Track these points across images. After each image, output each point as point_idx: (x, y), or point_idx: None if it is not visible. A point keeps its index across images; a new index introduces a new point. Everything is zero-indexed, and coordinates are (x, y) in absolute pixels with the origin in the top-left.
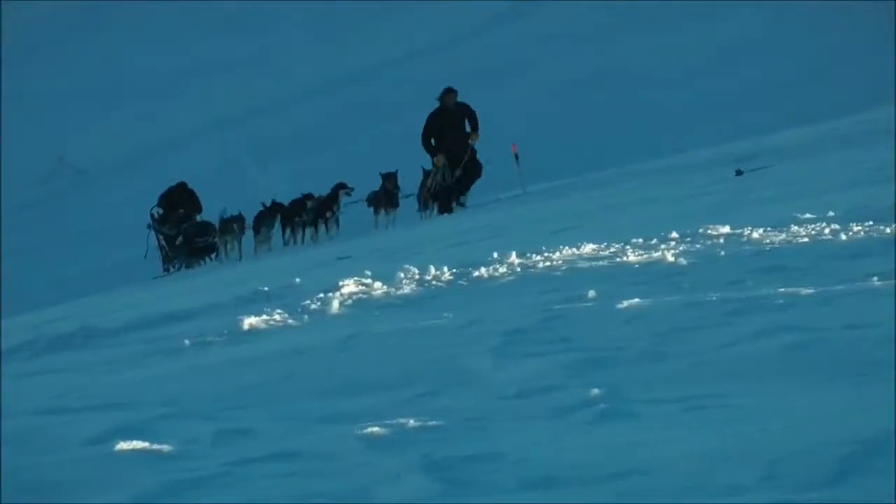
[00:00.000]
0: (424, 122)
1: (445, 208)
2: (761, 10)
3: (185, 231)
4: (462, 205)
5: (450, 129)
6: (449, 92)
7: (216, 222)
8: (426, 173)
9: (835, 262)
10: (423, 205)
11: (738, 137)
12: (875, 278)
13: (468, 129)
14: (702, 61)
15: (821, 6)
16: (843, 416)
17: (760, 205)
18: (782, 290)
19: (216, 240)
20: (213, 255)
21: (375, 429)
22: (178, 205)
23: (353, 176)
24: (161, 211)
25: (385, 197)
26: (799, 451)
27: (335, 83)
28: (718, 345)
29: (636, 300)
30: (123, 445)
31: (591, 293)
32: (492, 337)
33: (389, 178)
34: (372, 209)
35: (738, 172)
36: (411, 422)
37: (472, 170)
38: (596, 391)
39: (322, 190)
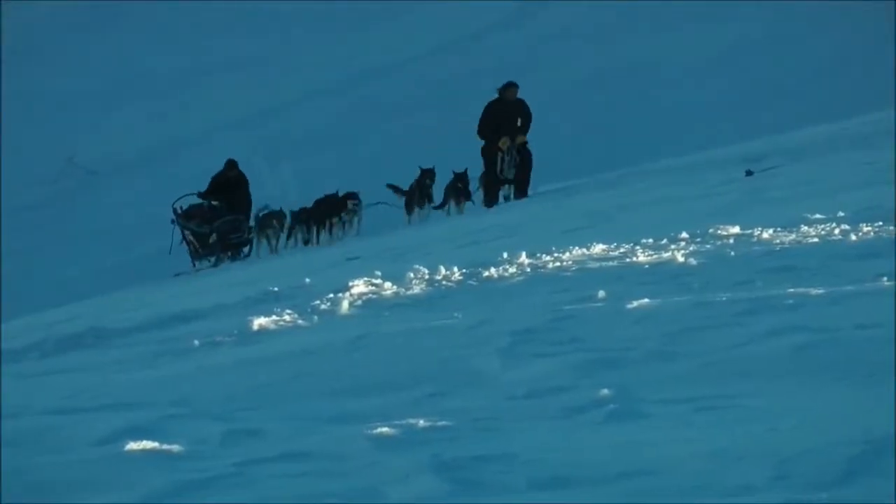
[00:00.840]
0: (482, 113)
1: (490, 201)
2: (762, 10)
3: (217, 228)
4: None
5: (506, 123)
6: (510, 86)
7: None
8: (456, 175)
9: (844, 262)
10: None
11: (742, 138)
12: (885, 278)
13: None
14: (702, 62)
15: (822, 6)
16: (853, 415)
17: (770, 205)
18: (792, 290)
19: (252, 236)
20: (247, 251)
21: (385, 429)
22: (228, 189)
23: (361, 175)
24: (195, 201)
25: (420, 192)
26: (809, 450)
27: (343, 83)
28: (728, 345)
29: (646, 300)
30: (133, 446)
31: (601, 293)
32: (501, 337)
33: (429, 174)
34: (404, 207)
35: (749, 173)
36: (421, 422)
37: (525, 164)
38: (606, 391)
39: (329, 190)
